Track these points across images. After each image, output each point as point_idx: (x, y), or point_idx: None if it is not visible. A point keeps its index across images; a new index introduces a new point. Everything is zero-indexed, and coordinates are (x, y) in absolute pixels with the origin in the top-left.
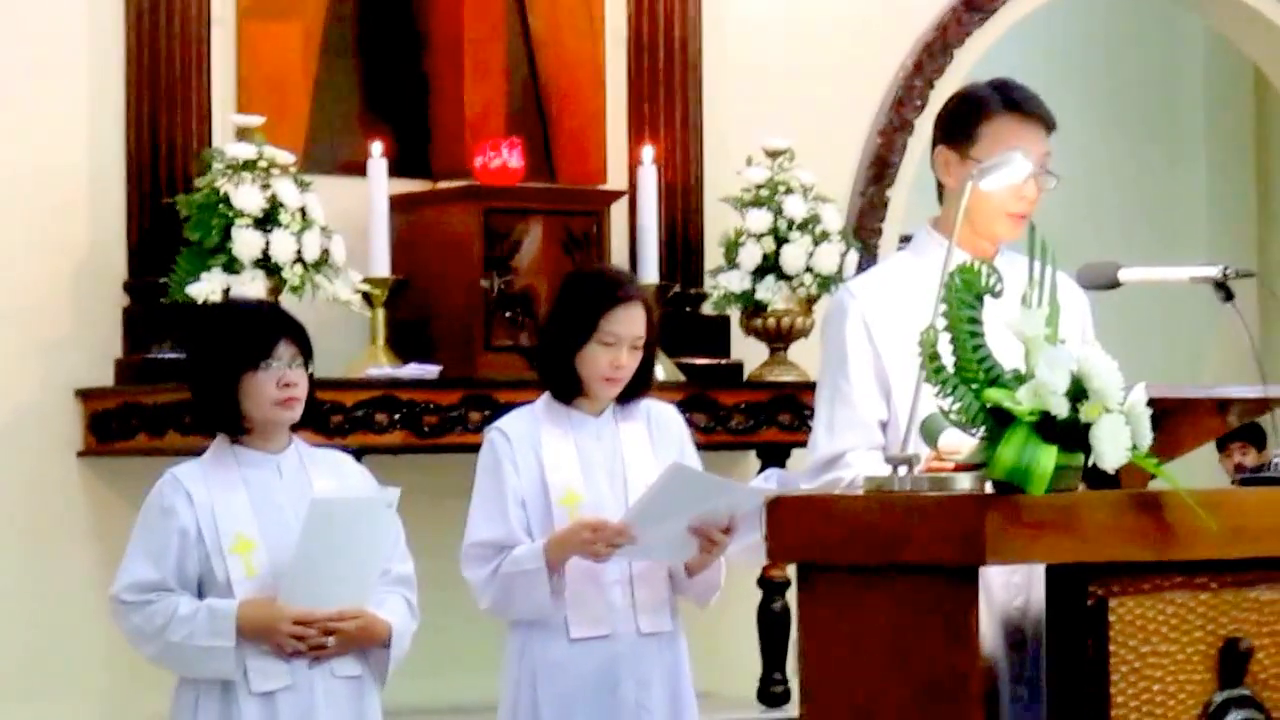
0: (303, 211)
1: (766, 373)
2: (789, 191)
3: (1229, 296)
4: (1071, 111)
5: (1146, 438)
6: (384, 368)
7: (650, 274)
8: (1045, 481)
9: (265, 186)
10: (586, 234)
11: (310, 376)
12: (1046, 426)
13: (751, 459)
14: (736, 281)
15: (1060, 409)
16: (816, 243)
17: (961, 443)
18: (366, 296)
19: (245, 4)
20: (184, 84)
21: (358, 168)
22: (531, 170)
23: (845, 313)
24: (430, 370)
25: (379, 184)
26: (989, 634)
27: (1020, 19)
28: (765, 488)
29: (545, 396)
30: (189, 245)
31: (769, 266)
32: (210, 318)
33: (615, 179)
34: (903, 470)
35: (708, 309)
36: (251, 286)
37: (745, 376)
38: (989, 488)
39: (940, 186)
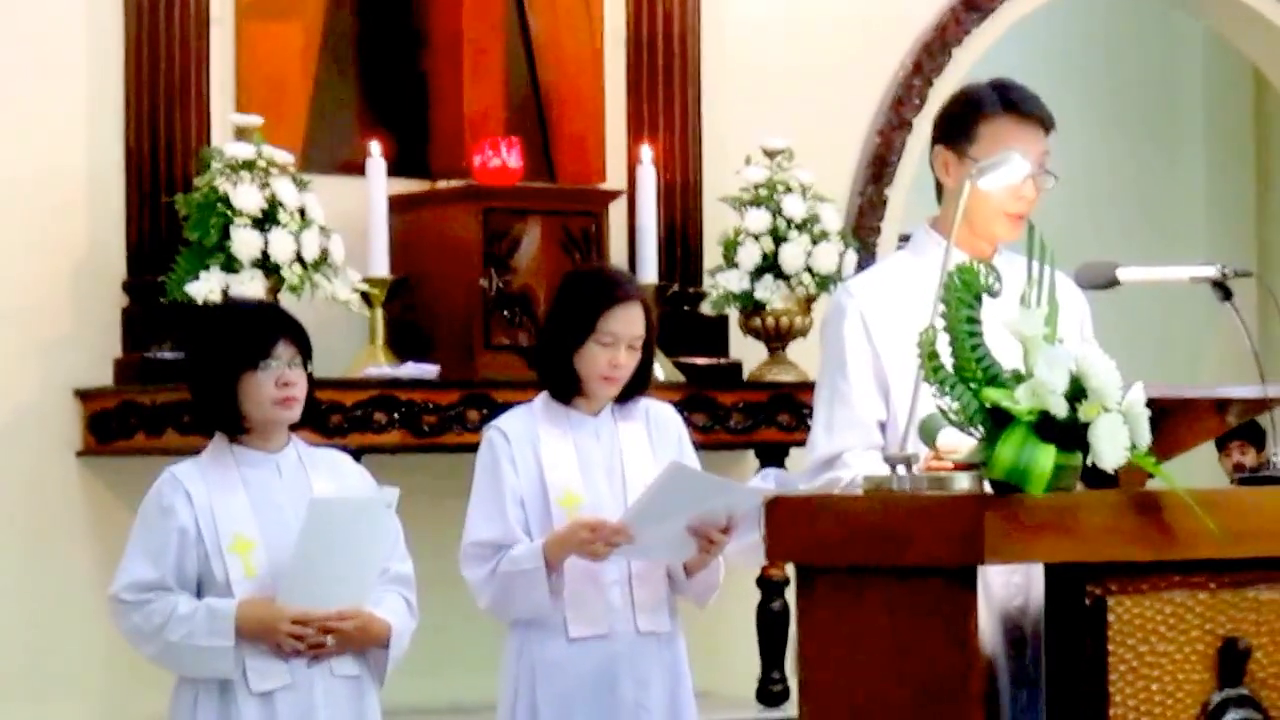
0: (302, 211)
1: (765, 372)
2: (788, 191)
3: (1227, 296)
4: (1070, 111)
5: (1145, 437)
6: (383, 367)
7: (649, 273)
8: (1044, 481)
9: (264, 186)
10: (585, 234)
11: (309, 376)
12: (1045, 426)
13: (750, 459)
14: (735, 281)
15: (1059, 409)
16: (815, 242)
17: (960, 442)
18: (365, 296)
19: (244, 4)
20: (183, 84)
21: (357, 167)
22: (530, 170)
23: (844, 313)
24: (429, 370)
25: (378, 184)
26: (989, 634)
27: (1019, 19)
28: (764, 487)
29: (544, 396)
30: (188, 245)
31: (768, 266)
32: (209, 317)
33: (614, 179)
34: (901, 470)
35: (706, 308)
36: (250, 286)
37: (744, 376)
38: (987, 487)
39: (939, 186)
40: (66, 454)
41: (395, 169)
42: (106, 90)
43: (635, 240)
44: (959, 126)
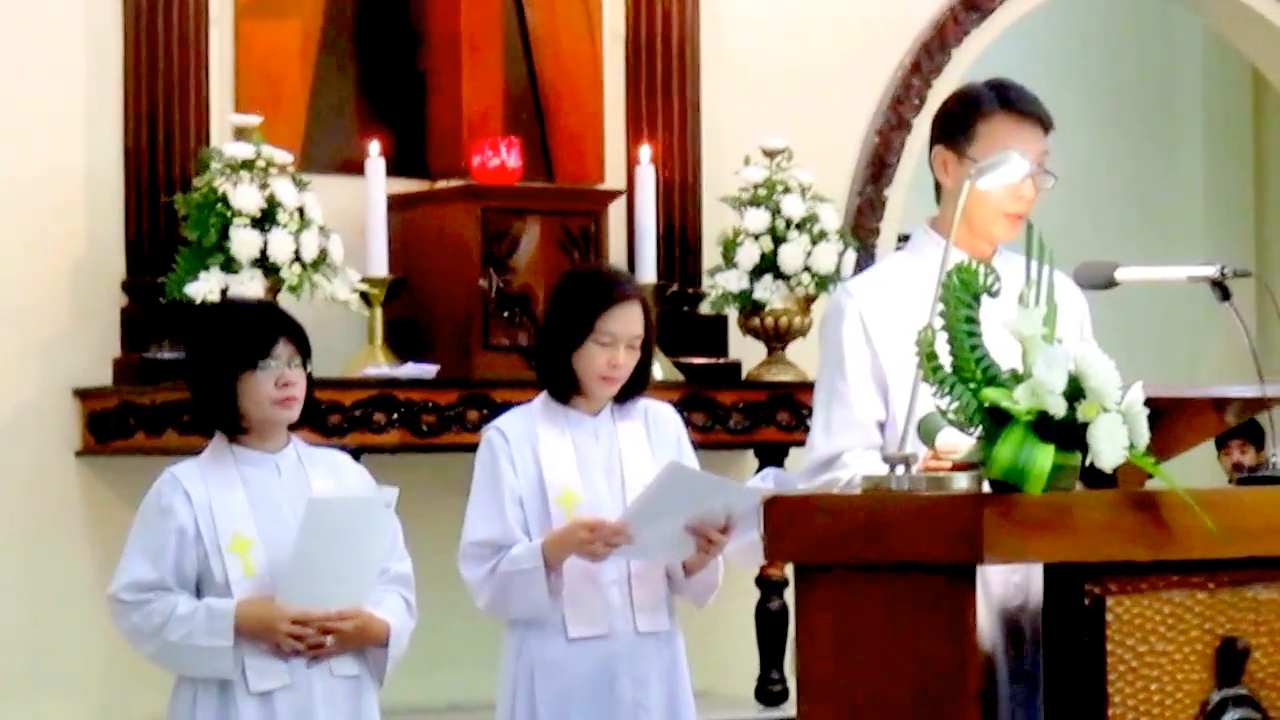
0: (301, 211)
1: (764, 372)
2: (787, 191)
3: (1226, 296)
4: (1069, 111)
5: (1144, 437)
6: (382, 367)
7: (648, 273)
8: (1042, 481)
9: (263, 186)
10: (584, 233)
11: (308, 376)
12: (1044, 426)
13: (749, 458)
14: (734, 281)
15: (1057, 408)
16: (814, 242)
17: (959, 442)
18: (364, 296)
19: (243, 3)
20: (182, 83)
21: (356, 167)
22: (529, 169)
23: (843, 313)
24: (428, 369)
25: (377, 183)
26: (988, 633)
27: (1018, 19)
28: (763, 487)
29: (543, 396)
30: (187, 245)
31: (767, 266)
32: (208, 317)
33: (613, 178)
34: (900, 470)
35: (705, 308)
36: (249, 286)
37: (743, 376)
38: (986, 487)
39: (938, 186)
40: (66, 454)
41: (394, 168)
42: (105, 90)
43: (634, 240)
44: (958, 126)
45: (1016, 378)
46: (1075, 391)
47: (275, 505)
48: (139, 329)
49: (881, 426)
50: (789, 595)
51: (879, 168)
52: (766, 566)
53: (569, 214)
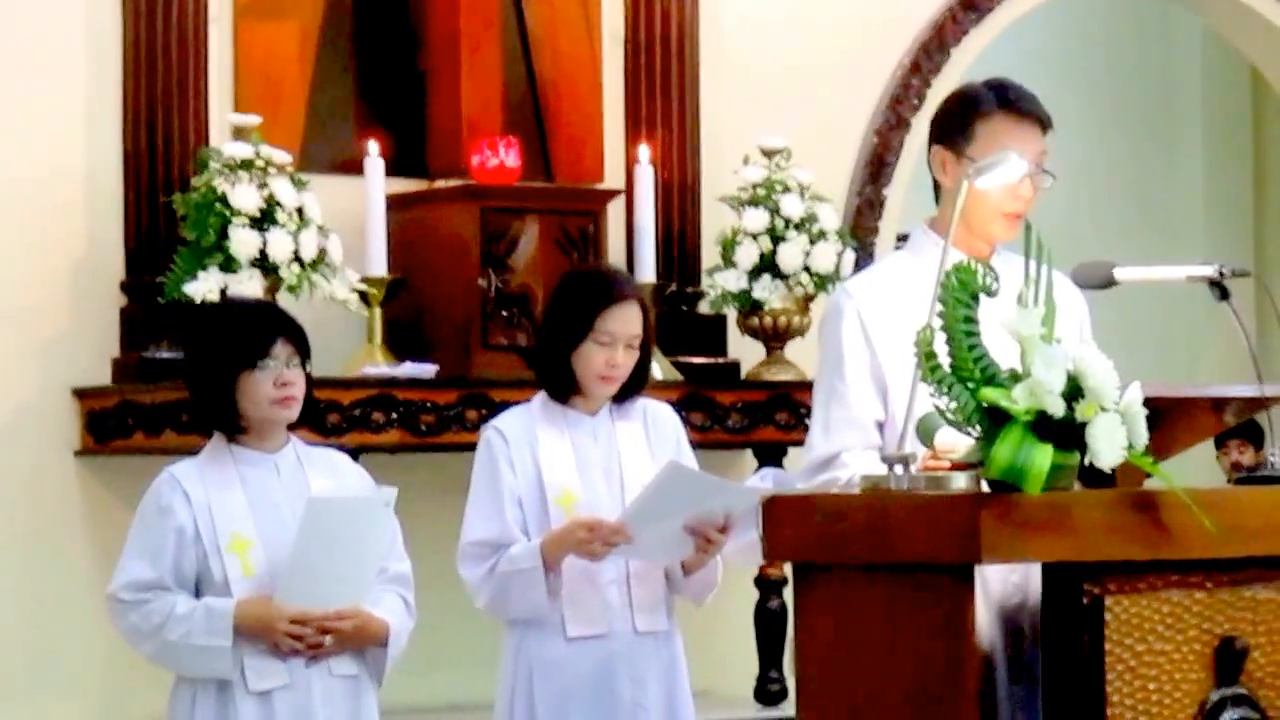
0: (300, 211)
1: (763, 372)
2: (786, 191)
3: (1225, 295)
4: (1069, 111)
5: (1142, 436)
6: (381, 367)
7: (647, 273)
8: (1041, 480)
9: (262, 186)
10: (583, 233)
11: (307, 376)
12: (1042, 425)
13: (748, 458)
14: (733, 280)
15: (1056, 408)
16: (813, 242)
17: (958, 442)
18: (363, 295)
19: (242, 3)
20: (181, 83)
21: (355, 167)
22: (528, 169)
23: (841, 313)
24: (427, 369)
25: (376, 183)
26: (987, 633)
27: (1017, 18)
28: (761, 487)
29: (541, 395)
30: (186, 244)
31: (766, 266)
32: (207, 317)
33: (612, 178)
34: (899, 469)
35: (704, 308)
36: (248, 286)
37: (742, 375)
38: (985, 487)
39: (936, 186)
40: (65, 453)
41: (393, 168)
42: (105, 90)
43: (633, 240)
44: (956, 126)
45: (1015, 377)
46: (1074, 391)
47: (274, 505)
48: (138, 329)
49: (880, 426)
50: (788, 595)
51: (878, 167)
52: (765, 566)
53: (568, 214)
